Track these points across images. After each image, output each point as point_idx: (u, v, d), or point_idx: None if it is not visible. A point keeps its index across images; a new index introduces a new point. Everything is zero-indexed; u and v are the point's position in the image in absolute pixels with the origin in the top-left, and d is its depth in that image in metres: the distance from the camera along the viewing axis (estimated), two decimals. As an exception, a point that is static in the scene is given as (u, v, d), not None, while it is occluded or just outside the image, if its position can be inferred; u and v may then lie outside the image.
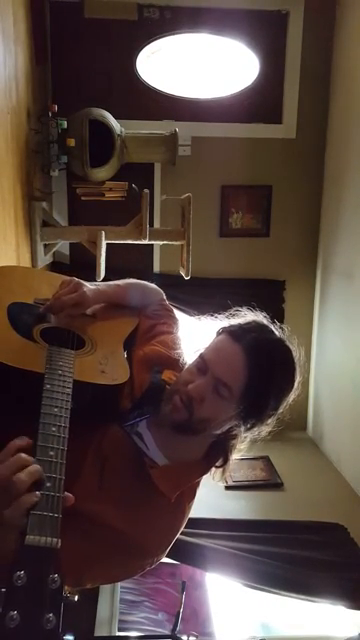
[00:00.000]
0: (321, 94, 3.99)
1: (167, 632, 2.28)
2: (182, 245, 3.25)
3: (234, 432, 0.93)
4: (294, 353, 0.95)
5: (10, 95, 2.72)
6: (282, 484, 3.42)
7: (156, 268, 4.13)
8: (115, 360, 0.97)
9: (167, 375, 0.99)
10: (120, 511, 0.86)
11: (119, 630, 2.52)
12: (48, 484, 0.64)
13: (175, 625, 2.20)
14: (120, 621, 2.56)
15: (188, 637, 2.18)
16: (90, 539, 0.82)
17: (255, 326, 0.96)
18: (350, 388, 3.57)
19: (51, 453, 0.68)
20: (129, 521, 0.86)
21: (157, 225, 3.89)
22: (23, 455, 0.64)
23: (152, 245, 3.91)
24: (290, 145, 4.05)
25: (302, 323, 4.28)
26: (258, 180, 4.08)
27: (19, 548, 0.56)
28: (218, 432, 0.93)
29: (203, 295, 3.97)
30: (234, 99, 3.96)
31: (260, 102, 3.98)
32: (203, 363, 0.92)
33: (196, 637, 2.21)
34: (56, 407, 0.75)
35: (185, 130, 3.77)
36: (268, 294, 4.16)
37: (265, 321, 0.99)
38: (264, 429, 0.94)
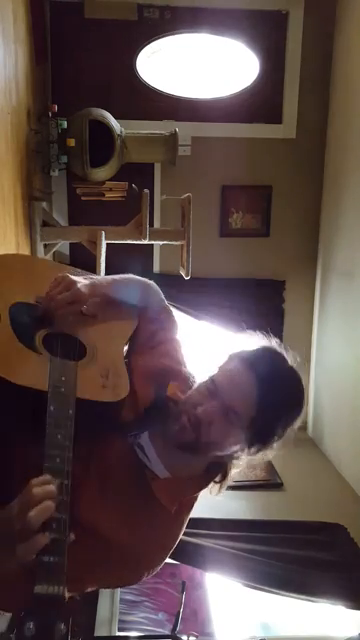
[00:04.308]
0: (321, 94, 3.99)
1: (167, 632, 2.29)
2: (182, 245, 3.25)
3: (237, 454, 0.93)
4: (303, 382, 0.95)
5: (10, 95, 2.72)
6: (282, 484, 3.42)
7: (156, 268, 4.13)
8: (115, 372, 0.96)
9: (172, 391, 0.99)
10: (121, 523, 0.87)
11: (119, 630, 2.52)
12: (54, 525, 0.66)
13: (175, 625, 2.20)
14: (120, 621, 2.56)
15: (188, 637, 2.18)
16: (91, 550, 0.83)
17: (268, 354, 0.95)
18: (350, 388, 3.57)
19: None
20: (129, 533, 0.87)
21: (157, 225, 3.89)
22: (47, 500, 0.67)
23: (152, 245, 3.91)
24: (290, 145, 4.05)
25: (302, 323, 4.28)
26: (258, 180, 4.08)
27: (28, 597, 0.60)
28: (222, 454, 0.94)
29: (203, 295, 3.97)
30: (234, 99, 3.96)
31: (260, 102, 3.98)
32: (214, 386, 0.91)
33: (196, 637, 2.21)
34: (59, 434, 0.76)
35: (185, 130, 3.77)
36: (268, 294, 4.16)
37: (278, 348, 0.97)
38: (268, 453, 0.95)
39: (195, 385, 0.97)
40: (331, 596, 2.47)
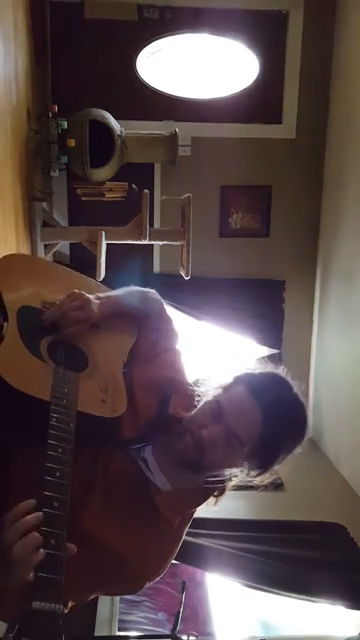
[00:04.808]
0: (321, 94, 3.99)
1: (167, 632, 2.29)
2: (182, 245, 3.25)
3: (236, 474, 0.95)
4: (307, 410, 0.97)
5: (10, 95, 2.72)
6: (282, 484, 3.42)
7: (156, 268, 4.14)
8: (114, 387, 0.98)
9: (174, 407, 0.99)
10: (123, 536, 0.89)
11: (119, 630, 2.52)
12: (52, 541, 0.66)
13: (175, 625, 2.20)
14: (120, 621, 2.56)
15: (188, 637, 2.19)
16: (93, 562, 0.85)
17: (275, 383, 0.96)
18: (350, 388, 3.57)
19: (55, 504, 0.70)
20: (132, 546, 0.89)
21: (157, 225, 3.89)
22: (29, 519, 0.67)
23: (152, 245, 3.91)
24: (290, 145, 4.05)
25: (302, 323, 4.28)
26: (258, 180, 4.08)
27: (25, 613, 0.59)
28: (223, 475, 0.95)
29: (203, 295, 3.97)
30: (234, 99, 3.96)
31: (260, 102, 3.98)
32: (219, 410, 0.92)
33: (196, 637, 2.22)
34: (60, 447, 0.77)
35: (185, 130, 3.77)
36: (268, 294, 4.16)
37: (283, 375, 0.98)
38: (266, 477, 0.96)
39: (200, 404, 0.97)
40: (331, 596, 2.48)
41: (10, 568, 0.65)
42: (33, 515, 0.67)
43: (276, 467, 0.94)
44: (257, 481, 0.96)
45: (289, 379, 0.97)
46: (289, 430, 0.92)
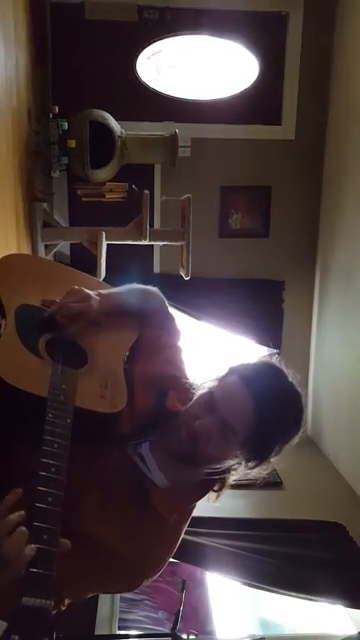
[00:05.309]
0: (320, 95, 4.01)
1: (167, 631, 2.29)
2: (182, 246, 3.26)
3: (235, 468, 0.95)
4: (302, 399, 0.96)
5: (11, 96, 2.73)
6: (281, 483, 3.43)
7: (156, 268, 4.15)
8: (114, 382, 0.98)
9: (171, 402, 1.00)
10: (120, 533, 0.89)
11: (119, 628, 2.53)
12: (45, 536, 0.66)
13: (175, 623, 2.21)
14: (120, 619, 2.57)
15: (188, 635, 2.19)
16: (90, 559, 0.85)
17: (268, 371, 0.96)
18: (349, 387, 3.58)
19: (49, 499, 0.70)
20: (128, 543, 0.89)
21: (157, 226, 3.90)
22: (15, 517, 0.67)
23: (152, 246, 3.92)
24: (289, 146, 4.06)
25: (301, 323, 4.30)
26: (257, 181, 4.10)
27: (14, 608, 0.59)
28: (220, 467, 0.95)
29: (203, 295, 3.99)
30: (234, 100, 3.97)
31: (259, 103, 4.00)
32: (212, 401, 0.93)
33: (196, 635, 2.22)
34: (56, 443, 0.77)
35: (185, 131, 3.78)
36: (267, 294, 4.18)
37: (277, 364, 0.98)
38: (264, 469, 0.96)
39: (195, 396, 0.98)
40: (330, 595, 2.48)
41: (3, 564, 0.65)
42: (17, 514, 0.68)
43: (273, 458, 0.94)
44: (255, 473, 0.96)
45: (283, 368, 0.97)
46: (282, 417, 0.92)
